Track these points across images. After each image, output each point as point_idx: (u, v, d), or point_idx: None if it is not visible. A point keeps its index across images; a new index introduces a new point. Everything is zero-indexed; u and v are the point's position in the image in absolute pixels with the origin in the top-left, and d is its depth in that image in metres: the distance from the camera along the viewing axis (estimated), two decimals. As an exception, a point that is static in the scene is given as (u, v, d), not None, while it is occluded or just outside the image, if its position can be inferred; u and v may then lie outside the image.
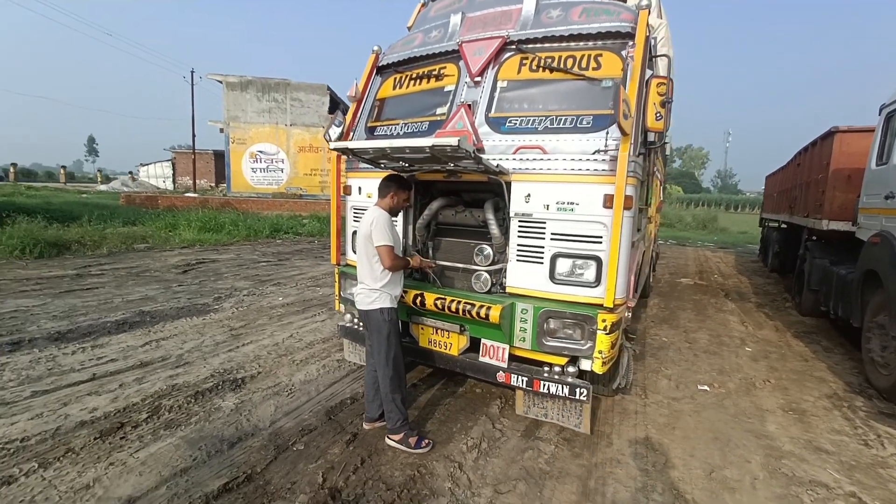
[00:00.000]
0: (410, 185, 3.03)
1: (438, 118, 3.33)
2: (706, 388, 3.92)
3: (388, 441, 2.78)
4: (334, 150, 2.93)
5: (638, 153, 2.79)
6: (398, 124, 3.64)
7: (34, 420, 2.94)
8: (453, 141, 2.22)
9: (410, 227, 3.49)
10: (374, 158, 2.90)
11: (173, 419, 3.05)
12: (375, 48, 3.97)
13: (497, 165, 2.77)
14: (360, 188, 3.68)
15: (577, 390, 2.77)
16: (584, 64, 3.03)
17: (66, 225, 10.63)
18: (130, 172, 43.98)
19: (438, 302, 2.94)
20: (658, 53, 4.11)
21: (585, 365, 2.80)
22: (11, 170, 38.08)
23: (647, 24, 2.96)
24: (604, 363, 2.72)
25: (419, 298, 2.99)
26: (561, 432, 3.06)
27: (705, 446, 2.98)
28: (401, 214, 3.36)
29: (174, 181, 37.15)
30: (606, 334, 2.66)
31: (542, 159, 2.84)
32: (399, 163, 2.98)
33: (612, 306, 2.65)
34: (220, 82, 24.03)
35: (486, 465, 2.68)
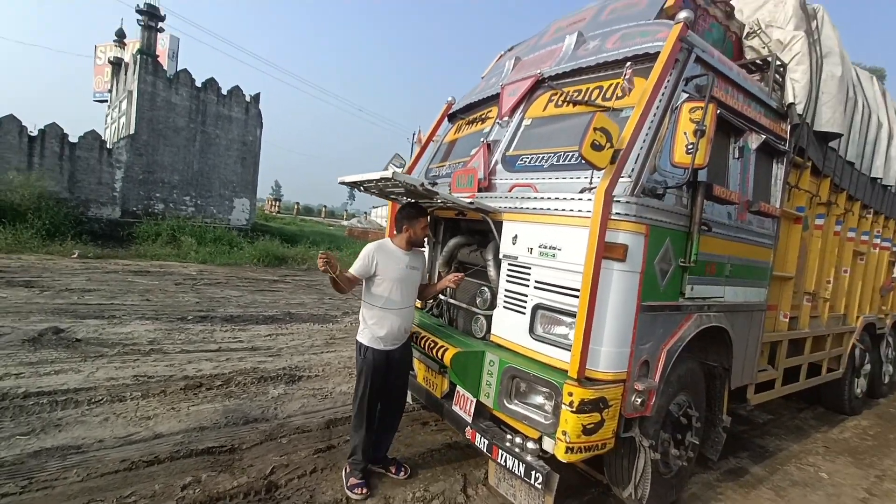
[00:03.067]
0: (424, 212, 2.87)
1: (468, 158, 3.39)
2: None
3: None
4: (340, 183, 3.24)
5: (642, 192, 2.23)
6: (445, 166, 3.84)
7: (165, 367, 4.21)
8: (387, 173, 2.31)
9: (436, 262, 3.56)
10: (380, 190, 3.12)
11: (232, 391, 3.86)
12: (449, 99, 4.33)
13: (470, 203, 2.65)
14: None
15: (533, 473, 2.26)
16: (609, 94, 2.66)
17: (293, 245, 14.47)
18: (365, 213, 56.25)
19: (421, 339, 2.90)
20: (791, 75, 3.22)
21: (549, 445, 2.28)
22: (295, 206, 53.94)
23: (684, 41, 2.40)
24: (568, 450, 2.16)
25: (416, 335, 2.97)
26: (535, 526, 2.50)
27: None
28: (426, 249, 3.48)
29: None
30: (572, 412, 2.12)
31: (531, 198, 2.57)
32: (401, 197, 3.13)
33: (575, 376, 2.12)
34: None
35: (418, 523, 2.44)
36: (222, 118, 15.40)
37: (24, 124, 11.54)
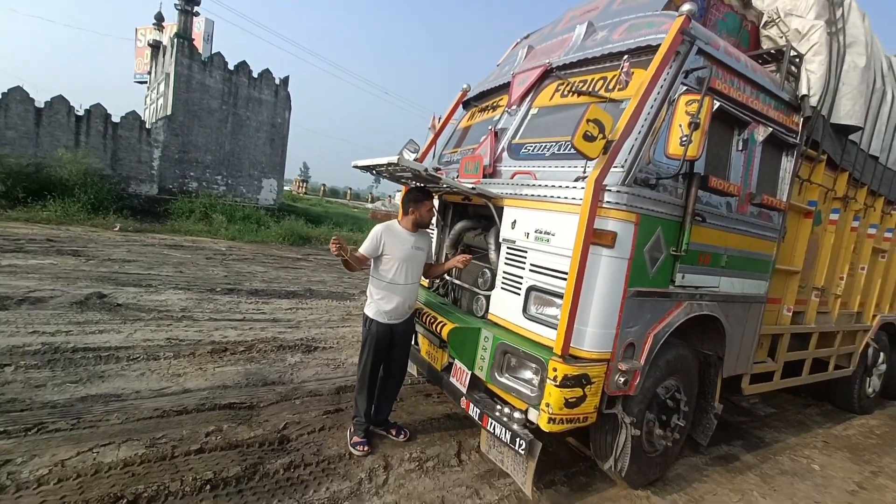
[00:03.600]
0: (429, 195, 3.09)
1: (476, 146, 3.52)
2: (801, 541, 2.59)
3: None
4: (353, 167, 3.43)
5: (634, 182, 2.32)
6: (457, 152, 3.98)
7: (194, 332, 4.58)
8: (393, 158, 2.48)
9: (443, 244, 3.73)
10: (390, 174, 3.31)
11: (253, 357, 4.19)
12: (465, 86, 4.42)
13: (472, 188, 2.79)
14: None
15: (518, 441, 2.44)
16: (612, 85, 2.72)
17: (317, 225, 14.93)
18: (389, 196, 56.89)
19: (424, 315, 3.10)
20: (807, 65, 3.19)
21: (533, 415, 2.45)
22: (322, 188, 54.98)
23: (686, 33, 2.43)
24: (550, 420, 2.33)
25: (420, 312, 3.18)
26: (521, 493, 2.70)
27: None
28: (434, 232, 3.67)
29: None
30: (556, 386, 2.28)
31: (530, 185, 2.69)
32: (411, 181, 3.30)
33: (560, 353, 2.27)
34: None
35: (412, 480, 2.67)
36: (253, 100, 15.86)
37: (71, 104, 12.28)
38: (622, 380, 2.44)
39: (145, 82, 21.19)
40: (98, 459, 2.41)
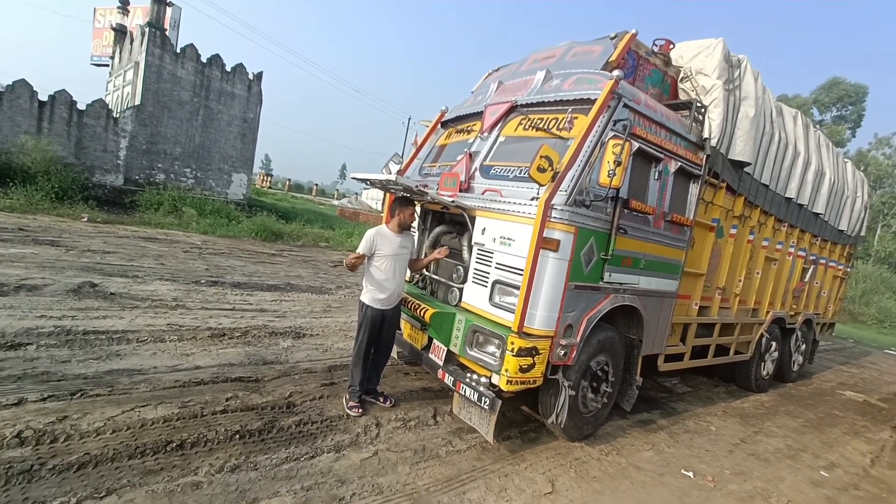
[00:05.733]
0: (412, 202, 3.71)
1: (454, 163, 4.22)
2: (689, 474, 3.48)
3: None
4: (352, 178, 4.08)
5: (573, 203, 3.09)
6: (436, 167, 4.66)
7: (191, 320, 5.01)
8: (392, 176, 3.14)
9: (423, 245, 4.41)
10: (383, 186, 3.97)
11: (249, 341, 4.69)
12: (443, 108, 5.12)
13: (452, 201, 3.50)
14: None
15: (483, 399, 3.16)
16: (562, 125, 3.50)
17: (288, 222, 15.14)
18: (356, 193, 56.59)
19: (409, 303, 3.77)
20: (709, 115, 4.10)
21: (496, 379, 3.18)
22: (287, 183, 54.03)
23: (615, 93, 3.24)
24: (509, 382, 3.06)
25: (406, 300, 3.85)
26: (484, 442, 3.42)
27: (610, 505, 2.90)
28: (416, 234, 4.34)
29: (383, 203, 46.00)
30: (513, 356, 3.02)
31: (497, 200, 3.42)
32: (399, 192, 3.95)
33: (516, 331, 3.02)
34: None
35: (399, 434, 3.34)
36: (225, 94, 15.82)
37: (34, 89, 11.90)
38: (562, 352, 3.23)
39: (104, 65, 20.40)
40: (141, 416, 2.91)
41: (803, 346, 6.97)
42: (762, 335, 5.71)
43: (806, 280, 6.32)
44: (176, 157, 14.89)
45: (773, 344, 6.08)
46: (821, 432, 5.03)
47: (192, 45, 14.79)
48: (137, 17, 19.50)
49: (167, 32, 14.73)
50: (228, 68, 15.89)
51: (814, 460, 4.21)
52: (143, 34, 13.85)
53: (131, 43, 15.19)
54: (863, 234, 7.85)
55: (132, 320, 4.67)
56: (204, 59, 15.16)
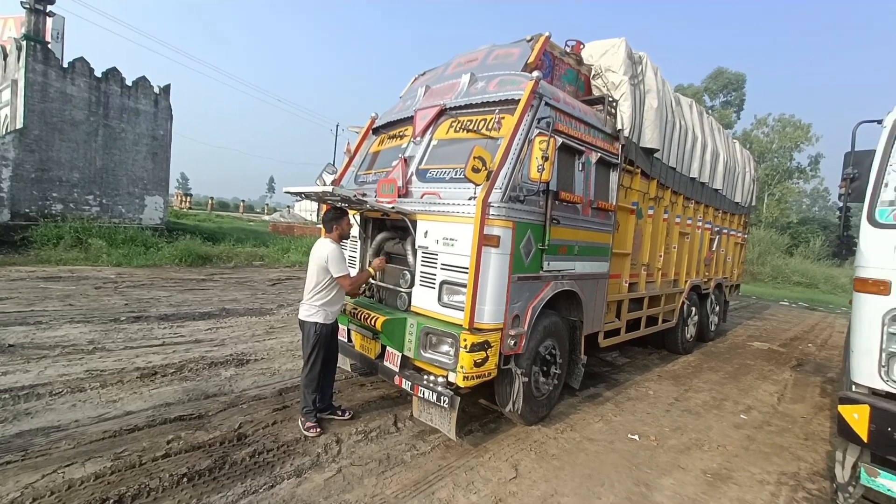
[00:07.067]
0: (346, 212, 3.67)
1: (390, 169, 4.21)
2: (635, 437, 3.79)
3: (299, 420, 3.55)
4: (285, 192, 3.96)
5: (509, 199, 3.24)
6: (371, 174, 4.63)
7: (114, 362, 4.53)
8: (328, 188, 3.09)
9: (366, 253, 4.36)
10: (319, 198, 3.88)
11: (186, 376, 4.34)
12: (373, 115, 5.10)
13: (392, 207, 3.51)
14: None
15: (442, 398, 3.20)
16: (490, 125, 3.64)
17: (216, 243, 14.14)
18: (288, 206, 54.06)
19: (359, 313, 3.71)
20: (620, 108, 4.45)
21: (452, 377, 3.24)
22: (210, 202, 50.37)
23: (536, 92, 3.44)
24: (465, 378, 3.13)
25: (354, 311, 3.78)
26: (447, 441, 3.47)
27: (570, 479, 3.08)
28: (358, 243, 4.28)
29: (318, 214, 44.42)
30: (467, 352, 3.10)
31: (437, 203, 3.49)
32: (338, 202, 3.89)
33: (468, 327, 3.10)
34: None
35: (361, 447, 3.28)
36: (128, 111, 14.36)
37: None
38: (512, 342, 3.36)
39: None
40: (67, 477, 2.59)
41: (717, 308, 7.84)
42: (683, 303, 6.34)
43: (714, 249, 7.11)
44: (74, 183, 13.28)
45: (693, 309, 6.77)
46: (738, 381, 5.70)
47: (82, 59, 13.26)
48: (10, 30, 17.11)
49: (49, 45, 13.06)
50: (129, 82, 14.47)
51: (734, 406, 4.77)
52: (18, 48, 12.18)
53: (5, 59, 13.29)
54: (754, 203, 9.02)
55: (41, 372, 4.12)
56: (98, 74, 13.67)
